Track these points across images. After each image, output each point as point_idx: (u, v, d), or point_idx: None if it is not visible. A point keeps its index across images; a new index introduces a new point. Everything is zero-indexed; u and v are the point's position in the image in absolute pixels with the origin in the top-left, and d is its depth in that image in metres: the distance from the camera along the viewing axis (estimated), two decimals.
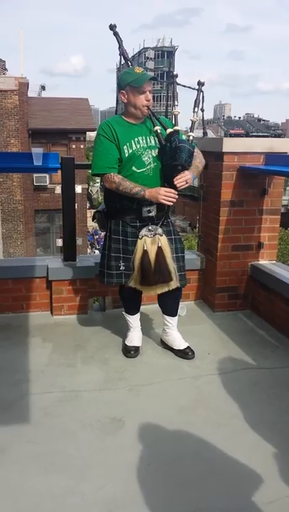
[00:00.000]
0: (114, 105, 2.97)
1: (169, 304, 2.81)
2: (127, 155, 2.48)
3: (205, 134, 3.06)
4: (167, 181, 2.50)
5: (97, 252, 19.38)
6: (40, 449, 1.98)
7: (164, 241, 2.58)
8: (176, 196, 2.47)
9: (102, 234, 2.79)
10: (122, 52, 2.73)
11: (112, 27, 2.67)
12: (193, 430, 2.12)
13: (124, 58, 2.75)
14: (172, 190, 2.45)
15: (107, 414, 2.22)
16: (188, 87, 2.64)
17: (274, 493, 1.75)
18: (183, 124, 2.73)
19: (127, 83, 2.46)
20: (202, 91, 2.66)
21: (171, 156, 2.43)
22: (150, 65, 52.15)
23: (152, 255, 2.55)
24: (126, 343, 2.84)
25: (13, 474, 1.84)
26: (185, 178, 2.45)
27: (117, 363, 2.71)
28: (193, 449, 2.00)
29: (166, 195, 2.43)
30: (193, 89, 2.66)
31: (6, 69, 19.46)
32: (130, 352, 2.78)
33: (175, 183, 2.44)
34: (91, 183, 28.72)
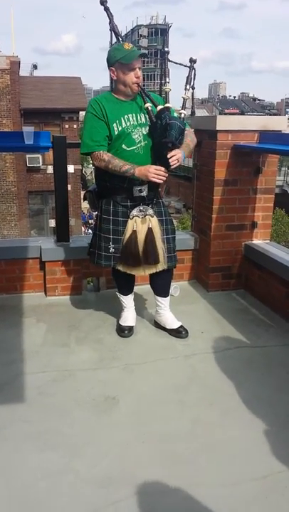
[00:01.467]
0: (108, 84, 2.91)
1: (160, 285, 2.80)
2: (116, 132, 2.44)
3: (193, 113, 3.01)
4: (158, 159, 2.46)
5: (90, 231, 19.40)
6: (35, 427, 2.00)
7: (154, 222, 2.57)
8: (166, 174, 2.44)
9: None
10: (113, 28, 2.66)
11: (103, 2, 2.59)
12: (187, 408, 2.14)
13: (115, 34, 2.69)
14: (162, 168, 2.42)
15: (101, 393, 2.23)
16: (180, 64, 2.58)
17: (267, 469, 1.78)
18: (175, 102, 2.68)
19: (116, 60, 2.41)
20: (194, 68, 2.61)
21: (162, 134, 2.40)
22: (144, 42, 51.30)
23: (142, 236, 2.54)
24: (120, 322, 2.85)
25: (8, 453, 1.85)
26: (176, 157, 2.41)
27: (111, 343, 2.72)
28: (187, 426, 2.02)
29: (156, 173, 2.40)
30: (185, 66, 2.61)
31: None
32: (124, 331, 2.79)
33: (170, 162, 2.40)
34: (85, 164, 28.48)
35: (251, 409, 2.12)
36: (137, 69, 2.42)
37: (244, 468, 1.79)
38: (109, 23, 2.65)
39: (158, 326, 2.88)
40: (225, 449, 1.89)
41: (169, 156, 2.40)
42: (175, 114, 2.50)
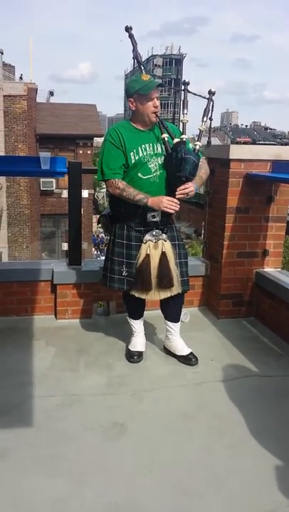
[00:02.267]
0: (122, 112, 2.98)
1: (171, 310, 2.80)
2: (133, 161, 2.50)
3: (209, 143, 3.06)
4: (172, 189, 2.52)
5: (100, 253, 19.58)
6: (42, 452, 1.98)
7: (167, 246, 2.59)
8: (179, 205, 2.49)
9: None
10: (136, 56, 2.72)
11: (128, 29, 2.65)
12: (196, 437, 2.11)
13: (138, 61, 2.74)
14: (175, 199, 2.48)
15: (110, 419, 2.21)
16: (199, 96, 2.63)
17: (275, 502, 1.74)
18: (190, 131, 2.73)
19: (134, 91, 2.48)
20: (212, 100, 2.66)
21: (176, 167, 2.45)
22: (158, 72, 52.38)
23: (155, 260, 2.56)
24: (129, 348, 2.84)
25: (15, 477, 1.84)
26: (186, 191, 2.48)
27: (120, 368, 2.70)
28: (195, 456, 1.99)
29: (168, 204, 2.46)
30: (204, 97, 2.66)
31: (18, 77, 19.57)
32: (133, 357, 2.78)
33: (176, 194, 2.48)
34: (97, 189, 28.82)
35: (260, 441, 2.08)
36: (155, 99, 2.49)
37: (252, 501, 1.75)
38: (133, 50, 2.71)
39: (167, 352, 2.87)
40: (233, 480, 1.86)
41: (180, 189, 2.47)
42: (190, 146, 2.55)
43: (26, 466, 1.90)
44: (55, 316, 3.38)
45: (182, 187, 2.47)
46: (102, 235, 19.59)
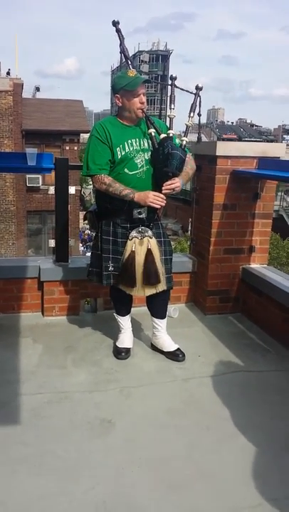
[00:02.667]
0: (109, 107, 2.97)
1: (157, 307, 2.81)
2: (119, 157, 2.49)
3: (199, 139, 3.06)
4: (158, 185, 2.52)
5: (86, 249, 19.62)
6: (30, 450, 1.97)
7: (153, 243, 2.60)
8: (165, 200, 2.49)
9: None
10: (123, 50, 2.71)
11: (115, 23, 2.64)
12: (183, 433, 2.13)
13: (125, 56, 2.74)
14: (161, 195, 2.48)
15: (97, 416, 2.21)
16: (187, 91, 2.63)
17: (263, 496, 1.76)
18: (177, 127, 2.73)
19: (120, 87, 2.47)
20: (200, 96, 2.67)
21: (163, 162, 2.45)
22: (145, 68, 52.19)
23: (141, 257, 2.57)
24: (117, 344, 2.84)
25: (3, 475, 1.83)
26: (173, 186, 2.48)
27: (107, 365, 2.71)
28: (183, 451, 2.01)
29: (154, 199, 2.46)
30: (191, 93, 2.66)
31: (3, 72, 19.36)
32: (121, 353, 2.78)
33: (162, 189, 2.48)
34: (84, 185, 28.69)
35: (247, 435, 2.10)
36: (142, 95, 2.48)
37: (240, 495, 1.77)
38: (120, 44, 2.70)
39: (155, 348, 2.88)
40: (221, 474, 1.87)
41: (166, 184, 2.47)
42: (177, 141, 2.55)
43: (14, 464, 1.89)
44: (42, 313, 3.36)
45: (168, 182, 2.48)
46: (88, 231, 19.57)
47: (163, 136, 2.53)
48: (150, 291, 2.65)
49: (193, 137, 2.96)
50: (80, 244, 19.91)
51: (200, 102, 2.66)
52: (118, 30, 2.66)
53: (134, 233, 2.57)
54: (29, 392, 2.39)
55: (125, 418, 2.21)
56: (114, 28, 2.68)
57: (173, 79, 2.65)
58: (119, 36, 2.68)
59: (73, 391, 2.42)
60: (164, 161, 2.45)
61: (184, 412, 2.28)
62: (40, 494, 1.74)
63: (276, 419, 2.24)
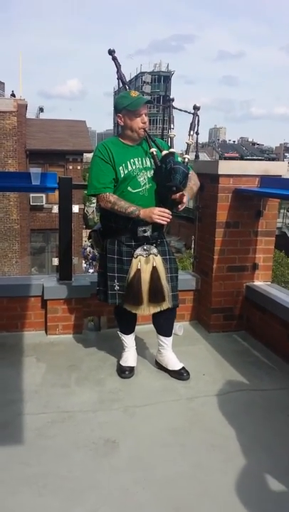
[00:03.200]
0: (112, 128, 3.03)
1: (163, 324, 2.80)
2: (122, 175, 2.52)
3: (197, 157, 3.11)
4: (162, 202, 2.53)
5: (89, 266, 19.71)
6: (33, 470, 1.95)
7: (158, 261, 2.60)
8: (170, 216, 2.50)
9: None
10: (120, 77, 2.79)
11: (111, 52, 2.73)
12: (188, 452, 2.10)
13: (122, 82, 2.81)
14: (166, 210, 2.48)
15: (101, 436, 2.19)
16: (184, 111, 2.69)
17: None
18: (179, 147, 2.77)
19: (123, 107, 2.52)
20: (198, 115, 2.72)
21: (166, 178, 2.47)
22: (147, 89, 52.97)
23: (146, 275, 2.57)
24: (121, 363, 2.83)
25: (5, 496, 1.81)
26: (183, 198, 2.49)
27: (111, 384, 2.69)
28: (188, 471, 1.98)
29: (160, 215, 2.47)
30: (189, 113, 2.72)
31: (8, 93, 19.69)
32: (125, 372, 2.77)
33: (179, 206, 2.49)
34: (87, 204, 28.89)
35: (252, 454, 2.08)
36: (144, 115, 2.52)
37: None
38: (117, 72, 2.77)
39: (159, 366, 2.86)
40: (226, 495, 1.85)
41: (178, 195, 2.48)
42: (179, 159, 2.58)
43: (17, 485, 1.87)
44: (46, 332, 3.36)
45: (178, 195, 2.48)
46: (90, 248, 19.68)
47: (165, 152, 2.56)
48: (155, 310, 2.65)
49: (193, 156, 3.00)
50: (83, 261, 20.00)
51: (198, 121, 2.71)
52: (114, 58, 2.75)
53: (139, 251, 2.59)
54: (32, 411, 2.38)
55: (129, 438, 2.19)
56: (110, 56, 2.76)
57: (171, 100, 2.71)
58: (115, 64, 2.76)
59: (77, 410, 2.40)
60: (167, 176, 2.47)
61: (188, 432, 2.26)
62: None
63: (282, 437, 2.22)
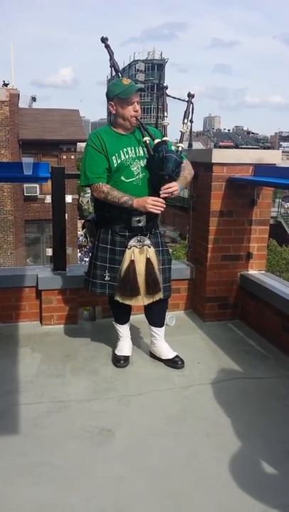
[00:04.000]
0: (105, 117, 3.00)
1: (155, 315, 2.81)
2: (115, 165, 2.50)
3: (190, 145, 3.09)
4: (155, 191, 2.51)
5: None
6: (29, 460, 1.96)
7: (151, 252, 2.60)
8: (164, 205, 2.49)
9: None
10: (113, 64, 2.75)
11: (104, 39, 2.69)
12: (183, 441, 2.12)
13: (115, 70, 2.78)
14: (160, 199, 2.47)
15: (97, 425, 2.20)
16: (178, 99, 2.67)
17: (264, 504, 1.75)
18: (173, 135, 2.75)
19: (115, 94, 2.49)
20: (192, 103, 2.69)
21: (159, 166, 2.46)
22: (140, 77, 52.58)
23: (140, 266, 2.57)
24: (116, 352, 2.84)
25: (1, 486, 1.81)
26: (171, 190, 2.47)
27: (106, 373, 2.70)
28: (182, 459, 1.99)
29: (153, 204, 2.45)
30: (183, 100, 2.69)
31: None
32: (120, 361, 2.78)
33: (160, 193, 2.47)
34: (81, 194, 28.76)
35: (247, 442, 2.09)
36: (135, 103, 2.50)
37: (241, 503, 1.76)
38: (110, 59, 2.74)
39: (154, 356, 2.87)
40: (221, 482, 1.86)
41: (164, 187, 2.45)
42: (172, 148, 2.56)
43: (13, 474, 1.88)
44: (41, 322, 3.35)
45: (166, 186, 2.47)
46: (82, 238, 19.74)
47: (157, 141, 2.53)
48: (149, 301, 2.65)
49: (186, 144, 2.98)
50: (78, 250, 20.00)
51: (192, 109, 2.68)
52: (107, 46, 2.72)
53: (132, 242, 2.58)
54: (28, 401, 2.38)
55: (125, 427, 2.20)
56: (103, 44, 2.72)
57: (164, 88, 2.68)
58: (108, 51, 2.73)
59: (72, 400, 2.41)
60: (159, 165, 2.45)
61: (183, 420, 2.27)
62: (40, 504, 1.73)
63: (276, 425, 2.24)
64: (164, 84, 2.70)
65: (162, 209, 2.48)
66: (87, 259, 20.38)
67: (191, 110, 2.68)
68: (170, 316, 3.32)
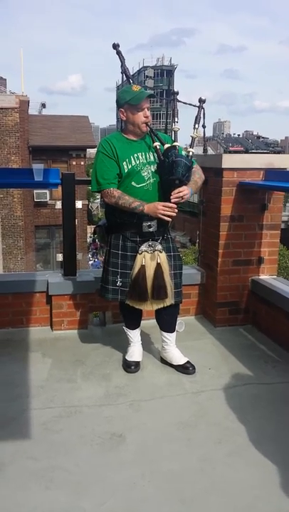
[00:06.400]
0: (114, 123, 3.01)
1: (166, 320, 2.80)
2: (126, 170, 2.51)
3: (205, 150, 3.09)
4: (166, 196, 2.51)
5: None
6: (40, 465, 1.96)
7: (163, 257, 2.60)
8: (176, 210, 2.48)
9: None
10: (124, 70, 2.76)
11: (115, 46, 2.70)
12: (195, 446, 2.10)
13: (126, 76, 2.79)
14: (170, 204, 2.46)
15: (108, 430, 2.20)
16: (189, 104, 2.66)
17: (276, 509, 1.73)
18: (183, 140, 2.75)
19: (125, 101, 2.50)
20: (203, 108, 2.69)
21: (169, 171, 2.46)
22: (150, 83, 52.76)
23: (150, 271, 2.56)
24: (126, 358, 2.83)
25: (13, 491, 1.82)
26: (181, 194, 2.46)
27: (117, 379, 2.69)
28: (194, 465, 1.98)
29: (164, 210, 2.45)
30: (194, 106, 2.69)
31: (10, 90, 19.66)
32: (130, 367, 2.77)
33: (171, 198, 2.46)
34: (91, 199, 28.88)
35: (259, 448, 2.07)
36: (146, 109, 2.51)
37: (253, 509, 1.74)
38: (121, 65, 2.75)
39: (164, 361, 2.86)
40: (233, 488, 1.85)
41: (174, 192, 2.45)
42: (183, 153, 2.56)
43: (24, 479, 1.88)
44: (51, 327, 3.36)
45: (176, 190, 2.46)
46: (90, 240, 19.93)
47: (167, 146, 2.54)
48: (158, 306, 2.65)
49: (199, 150, 2.98)
50: (89, 253, 20.21)
51: (204, 114, 2.69)
52: (118, 53, 2.73)
53: (144, 247, 2.58)
54: (39, 406, 2.39)
55: (136, 432, 2.20)
56: (114, 51, 2.74)
57: (175, 93, 2.68)
58: (120, 58, 2.74)
59: (83, 405, 2.41)
60: (169, 169, 2.46)
61: (195, 426, 2.26)
62: (51, 509, 1.72)
63: (288, 430, 2.21)
64: (175, 90, 2.70)
65: (174, 214, 2.47)
66: (96, 261, 20.54)
67: (202, 115, 2.68)
68: (179, 322, 3.29)
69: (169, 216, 2.47)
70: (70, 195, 3.38)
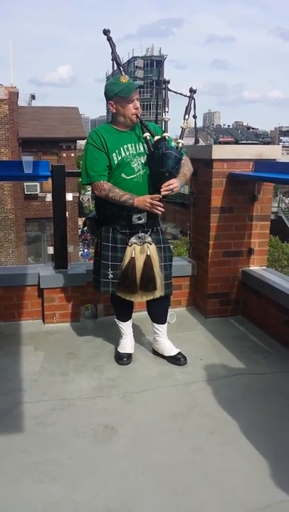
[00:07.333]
0: (104, 114, 2.99)
1: (157, 312, 2.81)
2: (116, 162, 2.50)
3: (197, 141, 3.08)
4: (156, 188, 2.51)
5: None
6: (34, 458, 1.97)
7: (152, 249, 2.60)
8: (162, 204, 2.47)
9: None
10: (115, 58, 2.73)
11: (106, 32, 2.67)
12: (187, 437, 2.12)
13: (117, 63, 2.76)
14: (157, 196, 2.45)
15: (100, 422, 2.21)
16: (180, 94, 2.65)
17: (268, 499, 1.75)
18: (173, 131, 2.74)
19: (114, 94, 2.47)
20: (194, 98, 2.68)
21: (158, 163, 2.45)
22: (139, 73, 52.44)
23: (140, 263, 2.57)
24: (118, 350, 2.84)
25: (6, 484, 1.82)
26: (171, 187, 2.46)
27: (109, 371, 2.70)
28: (186, 456, 2.00)
29: (153, 204, 2.44)
30: (185, 96, 2.68)
31: None
32: (123, 359, 2.78)
33: (161, 190, 2.46)
34: (82, 192, 28.75)
35: (251, 438, 2.10)
36: (135, 100, 2.49)
37: (246, 498, 1.76)
38: (112, 52, 2.72)
39: (156, 353, 2.87)
40: (226, 478, 1.87)
41: (164, 185, 2.45)
42: (173, 144, 2.55)
43: (17, 473, 1.88)
44: (43, 321, 3.36)
45: (166, 183, 2.46)
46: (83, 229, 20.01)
47: (157, 137, 2.53)
48: (148, 297, 2.66)
49: (189, 141, 2.97)
50: (79, 240, 20.24)
51: (194, 104, 2.67)
52: (109, 39, 2.69)
53: (133, 239, 2.58)
54: (31, 399, 2.39)
55: (128, 424, 2.21)
56: (105, 37, 2.70)
57: (166, 82, 2.66)
58: (110, 44, 2.70)
59: (76, 398, 2.42)
60: (159, 162, 2.45)
61: (187, 416, 2.28)
62: (45, 502, 1.73)
63: (280, 420, 2.24)
64: (166, 79, 2.67)
65: (162, 209, 2.48)
66: (85, 251, 20.54)
67: (192, 106, 2.67)
68: (170, 314, 3.31)
69: (158, 210, 2.47)
70: (61, 188, 3.36)
